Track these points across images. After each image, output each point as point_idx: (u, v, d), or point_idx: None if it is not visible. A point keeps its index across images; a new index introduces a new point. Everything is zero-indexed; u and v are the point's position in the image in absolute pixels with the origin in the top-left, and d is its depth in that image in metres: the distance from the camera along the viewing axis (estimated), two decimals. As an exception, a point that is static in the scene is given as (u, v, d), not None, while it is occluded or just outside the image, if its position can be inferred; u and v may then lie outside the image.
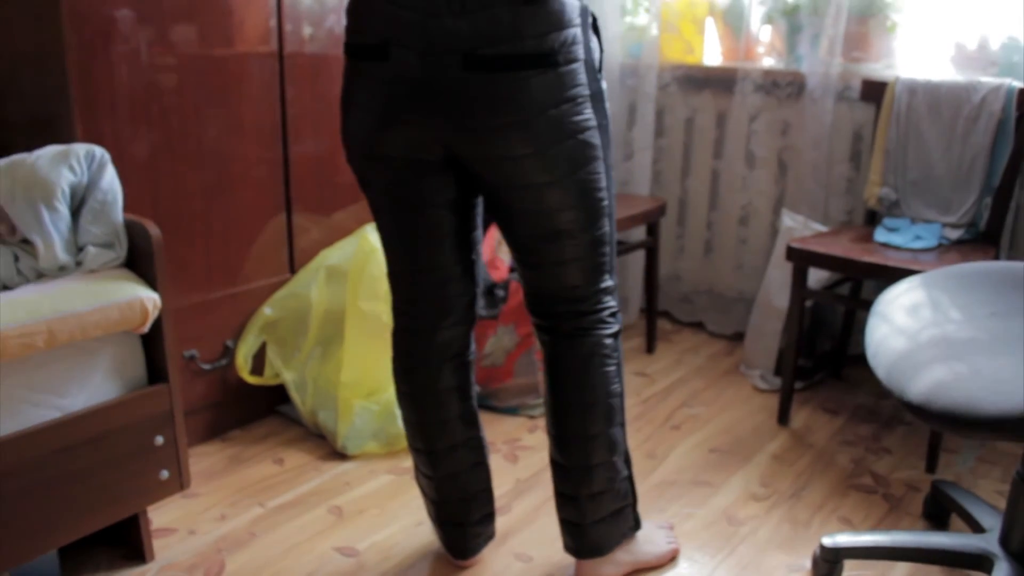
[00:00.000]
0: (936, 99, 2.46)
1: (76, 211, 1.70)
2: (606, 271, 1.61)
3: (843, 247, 2.34)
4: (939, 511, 2.03)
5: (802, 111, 2.81)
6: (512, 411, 2.55)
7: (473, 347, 1.76)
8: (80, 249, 1.70)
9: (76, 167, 1.68)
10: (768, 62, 2.95)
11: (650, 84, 3.08)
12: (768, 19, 2.91)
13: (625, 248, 2.83)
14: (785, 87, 2.86)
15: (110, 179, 1.72)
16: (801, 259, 2.36)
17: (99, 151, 1.72)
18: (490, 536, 1.87)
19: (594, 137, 1.48)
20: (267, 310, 2.34)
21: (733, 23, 2.98)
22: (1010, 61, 2.51)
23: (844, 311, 2.80)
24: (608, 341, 1.64)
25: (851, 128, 2.79)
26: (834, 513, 2.07)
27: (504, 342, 2.51)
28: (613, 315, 1.66)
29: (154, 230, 1.70)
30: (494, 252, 2.56)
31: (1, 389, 1.52)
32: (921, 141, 2.49)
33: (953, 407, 1.34)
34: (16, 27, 1.97)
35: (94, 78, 1.92)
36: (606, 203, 1.55)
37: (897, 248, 2.35)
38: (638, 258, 3.19)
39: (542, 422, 2.49)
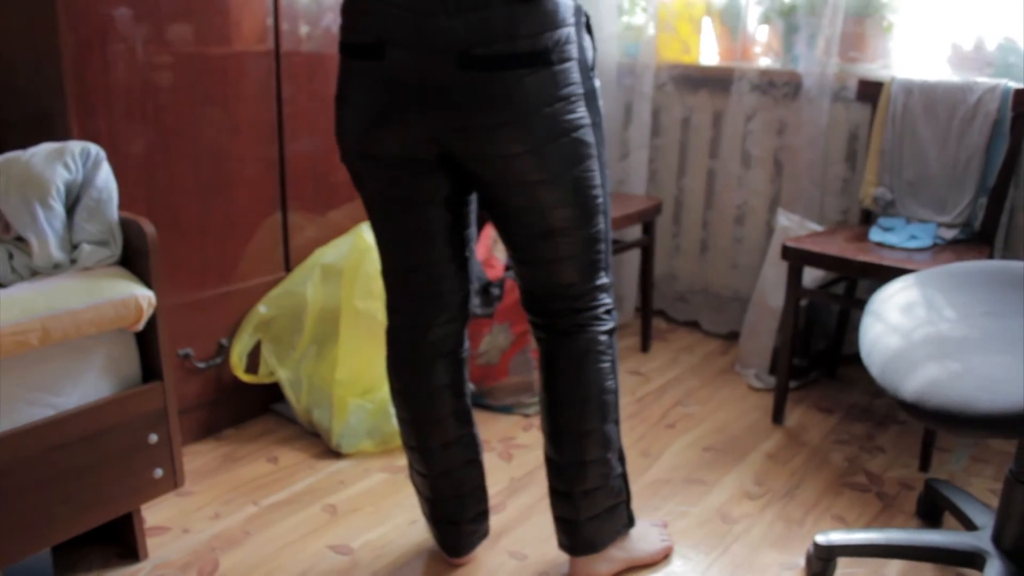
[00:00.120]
0: (932, 99, 2.47)
1: (71, 209, 1.70)
2: (601, 268, 1.62)
3: (838, 246, 2.35)
4: (932, 509, 2.04)
5: (798, 111, 2.81)
6: (507, 409, 2.55)
7: (467, 344, 1.76)
8: (75, 247, 1.70)
9: (71, 165, 1.68)
10: (764, 62, 2.96)
11: (647, 83, 3.08)
12: (765, 19, 2.92)
13: (621, 247, 2.83)
14: (781, 87, 2.86)
15: (105, 177, 1.72)
16: (796, 258, 2.36)
17: (94, 149, 1.72)
18: (484, 534, 1.87)
19: (588, 135, 1.49)
20: (262, 308, 2.34)
21: (730, 23, 2.99)
22: (1006, 62, 2.51)
23: (839, 310, 2.80)
24: (603, 338, 1.64)
25: (847, 128, 2.79)
26: (828, 511, 2.07)
27: (499, 341, 2.51)
28: (608, 312, 1.66)
29: (149, 228, 1.70)
30: (490, 251, 2.56)
31: (-5, 386, 1.52)
32: (917, 141, 2.49)
33: (947, 405, 1.35)
34: (11, 25, 1.97)
35: (90, 76, 1.92)
36: (600, 200, 1.55)
37: (892, 247, 2.36)
38: (634, 257, 3.19)
39: (537, 420, 2.49)
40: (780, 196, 2.95)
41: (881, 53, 2.74)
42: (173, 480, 1.81)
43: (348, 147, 1.55)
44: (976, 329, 1.52)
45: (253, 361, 2.37)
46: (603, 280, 1.64)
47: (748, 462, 2.30)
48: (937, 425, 1.36)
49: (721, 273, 3.12)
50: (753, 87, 2.91)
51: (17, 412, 1.56)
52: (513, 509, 2.06)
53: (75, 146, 1.69)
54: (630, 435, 2.43)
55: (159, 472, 1.77)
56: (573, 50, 1.44)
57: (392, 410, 2.29)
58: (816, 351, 2.82)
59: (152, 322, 1.72)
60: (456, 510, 1.78)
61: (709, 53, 3.08)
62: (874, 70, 2.73)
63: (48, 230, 1.65)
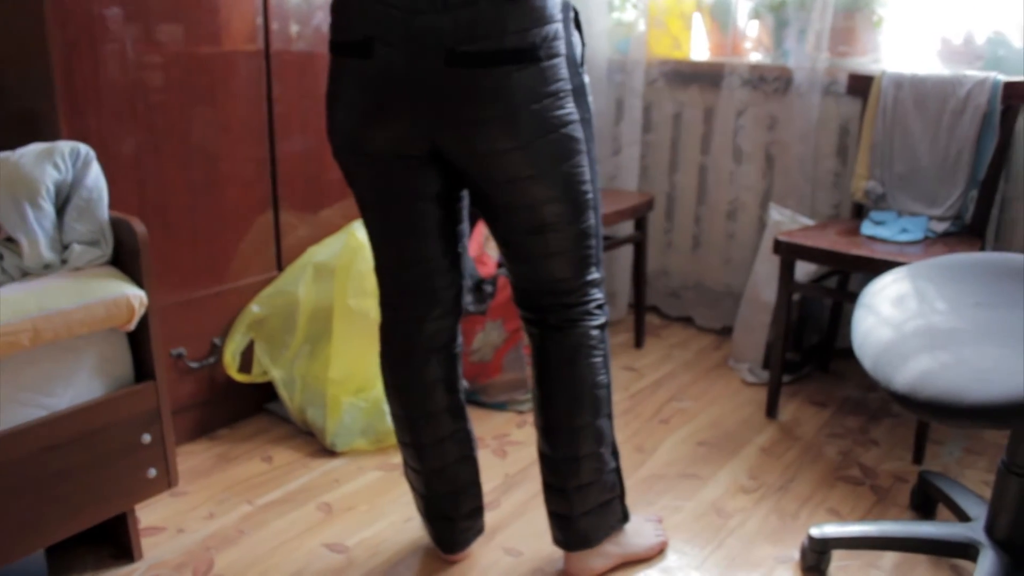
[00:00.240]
0: (922, 93, 2.47)
1: (61, 209, 1.70)
2: (592, 264, 1.62)
3: (830, 240, 2.35)
4: (926, 501, 2.04)
5: (789, 106, 2.82)
6: (500, 406, 2.55)
7: (460, 340, 1.76)
8: (65, 247, 1.70)
9: (61, 165, 1.67)
10: (755, 57, 2.96)
11: (637, 79, 3.08)
12: (755, 14, 2.92)
13: (613, 243, 2.83)
14: (772, 82, 2.87)
15: (95, 176, 1.71)
16: (788, 252, 2.36)
17: (84, 148, 1.71)
18: (479, 530, 1.87)
19: (577, 131, 1.49)
20: (255, 308, 2.33)
21: (720, 18, 2.99)
22: (995, 55, 2.52)
23: (831, 304, 2.81)
24: (595, 333, 1.64)
25: (838, 122, 2.80)
26: (822, 505, 2.08)
27: (492, 338, 2.51)
28: (600, 307, 1.66)
29: (140, 227, 1.69)
30: (482, 248, 2.56)
31: (-14, 387, 1.52)
32: (907, 135, 2.50)
33: (938, 396, 1.35)
34: (-1, 25, 1.96)
35: (78, 76, 1.92)
36: (590, 196, 1.55)
37: (884, 241, 2.36)
38: (626, 253, 3.19)
39: (530, 417, 2.49)
40: (772, 191, 2.95)
41: (871, 47, 2.74)
42: (167, 480, 1.80)
43: (339, 144, 1.55)
44: (967, 321, 1.53)
45: (246, 360, 2.37)
46: (594, 275, 1.64)
47: (742, 456, 2.30)
48: (929, 416, 1.37)
49: (714, 268, 3.13)
50: (744, 82, 2.91)
51: (9, 413, 1.55)
52: (508, 506, 2.06)
53: (64, 146, 1.69)
54: (624, 431, 2.43)
55: (153, 472, 1.77)
56: (561, 46, 1.44)
57: (386, 408, 2.29)
58: (809, 345, 2.82)
59: (144, 322, 1.72)
60: (450, 506, 1.78)
61: (699, 49, 3.08)
62: (864, 64, 2.73)
63: (38, 230, 1.65)
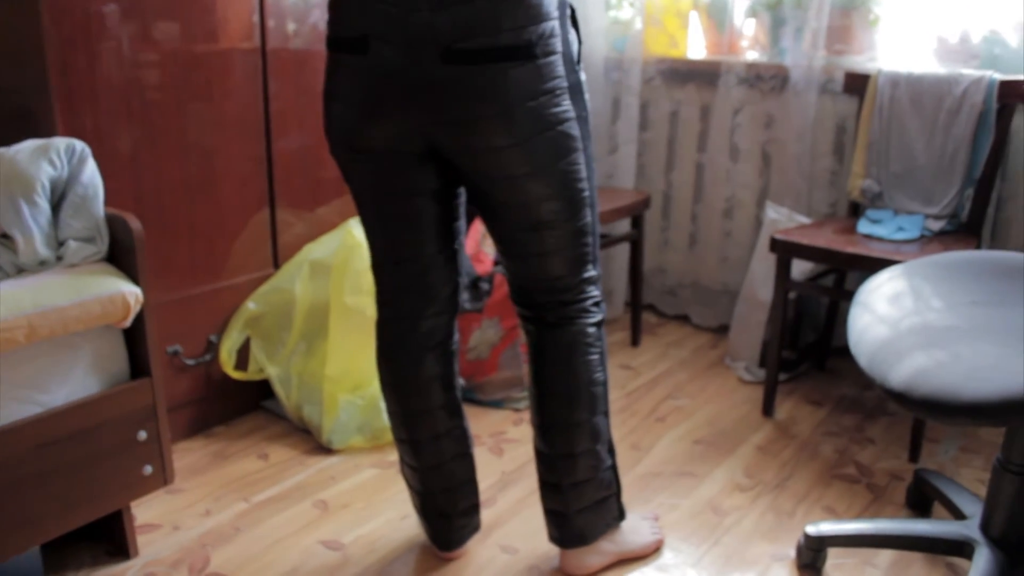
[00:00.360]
0: (918, 91, 2.47)
1: (56, 205, 1.70)
2: (589, 261, 1.62)
3: (826, 238, 2.35)
4: (922, 499, 2.04)
5: (785, 104, 2.82)
6: (497, 404, 2.55)
7: (456, 337, 1.76)
8: (61, 243, 1.69)
9: (56, 161, 1.67)
10: (752, 55, 2.96)
11: (634, 78, 3.08)
12: (751, 13, 2.92)
13: (609, 241, 2.83)
14: (768, 80, 2.87)
15: (90, 173, 1.71)
16: (785, 251, 2.36)
17: (79, 145, 1.71)
18: (475, 528, 1.87)
19: (573, 128, 1.49)
20: (251, 305, 2.33)
21: (717, 17, 2.99)
22: (991, 54, 2.52)
23: (828, 303, 2.81)
24: (591, 330, 1.64)
25: (834, 121, 2.80)
26: (818, 503, 2.08)
27: (489, 335, 2.51)
28: (596, 304, 1.66)
29: (135, 224, 1.69)
30: (478, 246, 2.56)
31: (-19, 384, 1.52)
32: (903, 133, 2.50)
33: (934, 394, 1.35)
34: (-5, 21, 1.96)
35: (74, 72, 1.91)
36: (587, 194, 1.55)
37: (880, 239, 2.36)
38: (623, 251, 3.19)
39: (527, 415, 2.50)
40: (768, 189, 2.95)
41: (867, 46, 2.74)
42: (163, 477, 1.80)
43: (336, 141, 1.55)
44: (963, 318, 1.53)
45: (243, 358, 2.37)
46: (591, 273, 1.64)
47: (738, 455, 2.30)
48: (925, 414, 1.37)
49: (710, 267, 3.13)
50: (740, 81, 2.91)
51: (4, 409, 1.55)
52: (504, 503, 2.06)
53: (60, 142, 1.69)
54: (620, 429, 2.43)
55: (148, 469, 1.77)
56: (557, 43, 1.44)
57: (382, 405, 2.29)
58: (805, 344, 2.82)
59: (140, 318, 1.71)
60: (447, 503, 1.78)
61: (696, 47, 3.08)
62: (861, 63, 2.73)
63: (34, 227, 1.64)
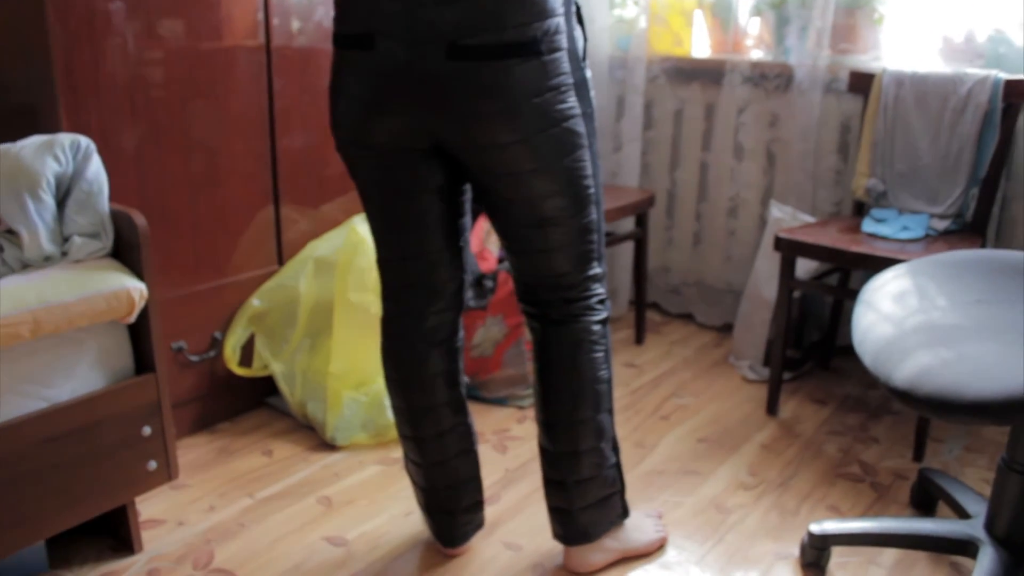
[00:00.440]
0: (923, 91, 2.47)
1: (61, 201, 1.70)
2: (594, 258, 1.62)
3: (831, 237, 2.35)
4: (926, 499, 2.04)
5: (790, 103, 2.82)
6: (501, 402, 2.55)
7: (461, 334, 1.76)
8: (66, 239, 1.70)
9: (61, 157, 1.67)
10: (756, 54, 2.96)
11: (638, 76, 3.08)
12: (756, 11, 2.92)
13: (614, 240, 2.83)
14: (773, 79, 2.87)
15: (95, 169, 1.71)
16: (789, 249, 2.36)
17: (84, 141, 1.71)
18: (479, 525, 1.87)
19: (578, 125, 1.49)
20: (255, 302, 2.33)
21: (721, 15, 2.99)
22: (996, 53, 2.52)
23: (832, 302, 2.81)
24: (596, 328, 1.64)
25: (839, 120, 2.80)
26: (822, 501, 2.08)
27: (493, 333, 2.51)
28: (601, 302, 1.66)
29: (140, 220, 1.69)
30: (483, 243, 2.56)
31: (-13, 379, 1.52)
32: (908, 132, 2.50)
33: (938, 392, 1.35)
34: (0, 18, 1.96)
35: (79, 69, 1.92)
36: (592, 191, 1.55)
37: (885, 239, 2.36)
38: (627, 250, 3.19)
39: (531, 413, 2.50)
40: (773, 188, 2.95)
41: (872, 45, 2.74)
42: (167, 472, 1.80)
43: (342, 137, 1.55)
44: (968, 317, 1.53)
45: (247, 354, 2.37)
46: (596, 270, 1.64)
47: (742, 453, 2.30)
48: (929, 412, 1.37)
49: (714, 265, 3.13)
50: (745, 79, 2.91)
51: (9, 404, 1.55)
52: (508, 500, 2.07)
53: (65, 138, 1.69)
54: (624, 427, 2.43)
55: (153, 465, 1.77)
56: (563, 40, 1.44)
57: (386, 403, 2.29)
58: (810, 343, 2.82)
59: (144, 314, 1.72)
60: (451, 500, 1.78)
61: (701, 46, 3.08)
62: (865, 62, 2.73)
63: (39, 222, 1.65)
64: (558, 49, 1.43)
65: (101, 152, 1.76)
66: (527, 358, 2.51)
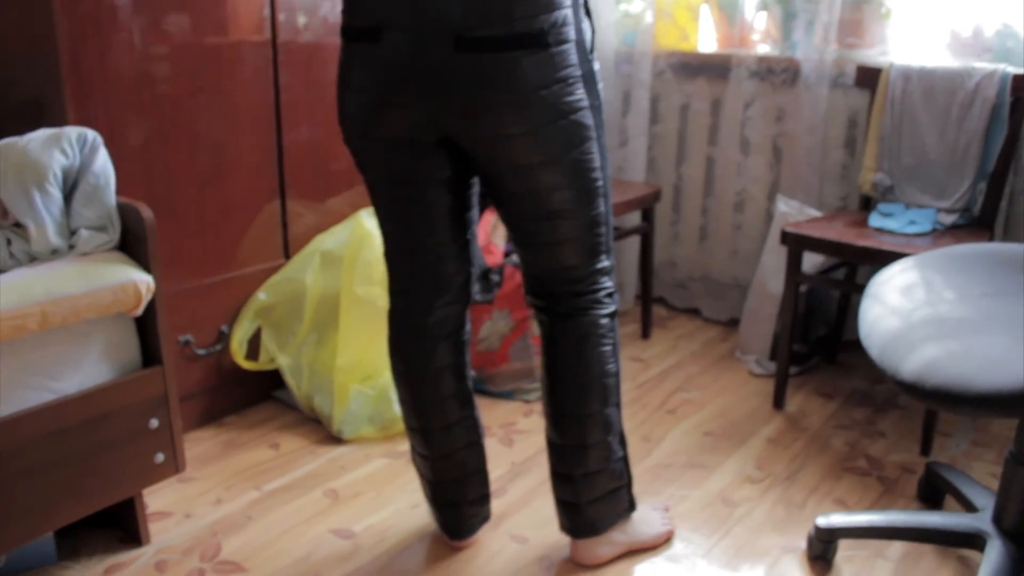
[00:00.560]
0: (930, 85, 2.46)
1: (68, 194, 1.70)
2: (602, 251, 1.62)
3: (838, 232, 2.35)
4: (933, 492, 2.04)
5: (797, 97, 2.81)
6: (507, 395, 2.56)
7: (468, 327, 1.76)
8: (73, 232, 1.70)
9: (68, 150, 1.68)
10: (763, 49, 2.95)
11: (645, 71, 3.08)
12: (763, 6, 2.91)
13: (620, 234, 2.83)
14: (780, 74, 2.86)
15: (102, 162, 1.72)
16: (796, 243, 2.36)
17: (91, 134, 1.71)
18: (485, 517, 1.87)
19: (587, 117, 1.48)
20: (262, 295, 2.34)
21: (728, 10, 2.98)
22: (1004, 47, 2.51)
23: (839, 296, 2.80)
24: (604, 321, 1.64)
25: (846, 114, 2.79)
26: (829, 495, 2.08)
27: (499, 327, 2.51)
28: (609, 295, 1.66)
29: (147, 213, 1.70)
30: (489, 237, 2.56)
31: (-5, 371, 1.52)
32: (915, 127, 2.49)
33: (946, 384, 1.35)
34: (6, 11, 1.96)
35: (86, 64, 1.92)
36: (600, 183, 1.55)
37: (892, 233, 2.36)
38: (633, 244, 3.19)
39: (537, 406, 2.50)
40: (779, 182, 2.94)
41: (879, 39, 2.73)
42: (174, 465, 1.81)
43: (350, 130, 1.55)
44: (975, 310, 1.52)
45: (253, 348, 2.38)
46: (604, 263, 1.64)
47: (749, 447, 2.30)
48: (936, 404, 1.36)
49: (721, 260, 3.12)
50: (751, 74, 2.90)
51: (17, 397, 1.56)
52: (514, 493, 2.07)
53: (72, 131, 1.69)
54: (631, 420, 2.43)
55: (160, 457, 1.77)
56: (571, 32, 1.44)
57: (393, 396, 2.30)
58: (816, 337, 2.82)
59: (151, 307, 1.72)
60: (457, 492, 1.79)
61: (707, 40, 3.08)
62: (872, 56, 2.72)
63: (46, 215, 1.65)
64: (566, 41, 1.43)
65: (108, 146, 1.77)
66: (533, 352, 2.51)
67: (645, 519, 1.86)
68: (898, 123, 2.51)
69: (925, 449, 2.26)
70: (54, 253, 1.68)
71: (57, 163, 1.66)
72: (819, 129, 2.78)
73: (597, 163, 1.53)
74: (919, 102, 2.48)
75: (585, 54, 1.49)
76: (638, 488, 2.08)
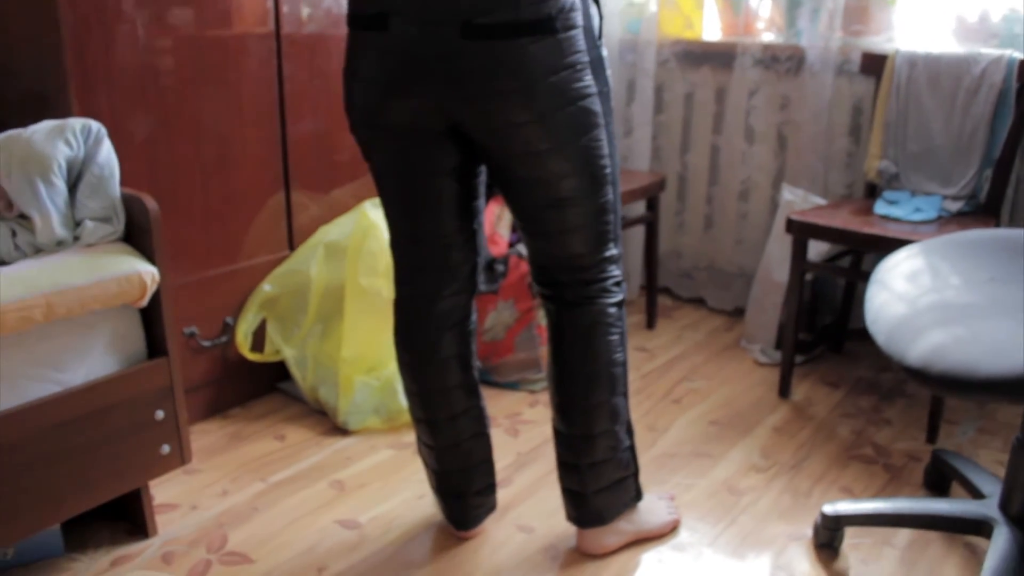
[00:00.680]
0: (936, 71, 2.45)
1: (73, 186, 1.70)
2: (610, 240, 1.61)
3: (843, 219, 2.34)
4: (939, 480, 2.04)
5: (802, 85, 2.80)
6: (513, 386, 2.55)
7: (474, 317, 1.75)
8: (77, 224, 1.70)
9: (72, 141, 1.68)
10: (767, 37, 2.94)
11: (649, 60, 3.07)
12: (767, -7, 2.90)
13: (625, 223, 2.82)
14: (784, 61, 2.85)
15: (107, 153, 1.72)
16: (801, 231, 2.35)
17: (95, 125, 1.71)
18: (491, 507, 1.87)
19: (595, 104, 1.48)
20: (267, 287, 2.34)
21: (732, -3, 2.97)
22: (1011, 33, 2.49)
23: (844, 284, 2.79)
24: (612, 310, 1.64)
25: (851, 102, 2.78)
26: (835, 483, 2.07)
27: (504, 317, 2.51)
28: (617, 284, 1.66)
29: (152, 204, 1.69)
30: (493, 227, 2.56)
31: (0, 363, 1.52)
32: (921, 114, 2.48)
33: (952, 370, 1.34)
34: (11, 3, 1.96)
35: (90, 55, 1.92)
36: (609, 171, 1.54)
37: (897, 220, 2.35)
38: (638, 233, 3.18)
39: (543, 397, 2.50)
40: (784, 171, 2.94)
41: (885, 26, 2.72)
42: (180, 457, 1.81)
43: (356, 119, 1.55)
44: (981, 296, 1.52)
45: (259, 340, 2.38)
46: (612, 252, 1.63)
47: (755, 435, 2.30)
48: (942, 390, 1.36)
49: (726, 249, 3.12)
50: (756, 62, 2.89)
51: (23, 388, 1.56)
52: (520, 483, 2.07)
53: (76, 123, 1.69)
54: (636, 410, 2.43)
55: (166, 448, 1.78)
56: (578, 17, 1.43)
57: (398, 387, 2.30)
58: (822, 326, 2.81)
59: (156, 298, 1.72)
60: (463, 482, 1.79)
61: (712, 29, 3.06)
62: (878, 43, 2.71)
63: (51, 207, 1.65)
64: (573, 27, 1.42)
65: (112, 138, 1.77)
66: (539, 342, 2.50)
67: (651, 508, 1.86)
68: (904, 110, 2.50)
69: (931, 436, 2.26)
70: (59, 244, 1.68)
71: (61, 154, 1.66)
72: (824, 117, 2.77)
73: (605, 150, 1.53)
74: (925, 89, 2.47)
75: (593, 40, 1.48)
76: (644, 477, 2.08)
